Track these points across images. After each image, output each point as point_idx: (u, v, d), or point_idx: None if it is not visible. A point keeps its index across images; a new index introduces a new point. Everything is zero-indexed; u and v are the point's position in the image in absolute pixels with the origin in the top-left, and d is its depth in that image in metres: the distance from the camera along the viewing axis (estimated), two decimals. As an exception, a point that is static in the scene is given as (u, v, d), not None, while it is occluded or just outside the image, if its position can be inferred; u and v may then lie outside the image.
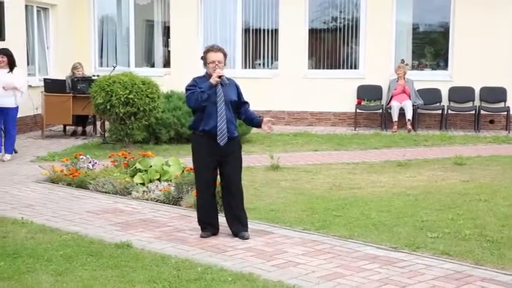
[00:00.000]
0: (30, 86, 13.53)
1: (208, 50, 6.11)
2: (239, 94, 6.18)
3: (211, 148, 5.97)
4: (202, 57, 6.15)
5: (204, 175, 6.08)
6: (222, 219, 6.24)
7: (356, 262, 5.39)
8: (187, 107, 11.92)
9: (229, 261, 5.38)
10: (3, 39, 11.25)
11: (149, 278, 4.91)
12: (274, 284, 4.84)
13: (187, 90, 6.05)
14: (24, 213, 6.90)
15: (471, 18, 14.28)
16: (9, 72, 10.36)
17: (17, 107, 10.53)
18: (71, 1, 15.50)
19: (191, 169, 7.69)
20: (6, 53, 10.38)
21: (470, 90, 14.38)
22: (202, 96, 5.89)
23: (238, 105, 6.18)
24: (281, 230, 6.33)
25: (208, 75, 6.03)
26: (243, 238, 6.02)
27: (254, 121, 6.26)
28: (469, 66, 14.28)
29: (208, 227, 6.14)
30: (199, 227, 6.20)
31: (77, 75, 13.36)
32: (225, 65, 6.11)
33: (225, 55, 6.09)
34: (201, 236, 6.07)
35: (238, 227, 6.12)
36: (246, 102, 6.25)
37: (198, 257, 5.47)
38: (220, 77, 5.92)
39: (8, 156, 10.30)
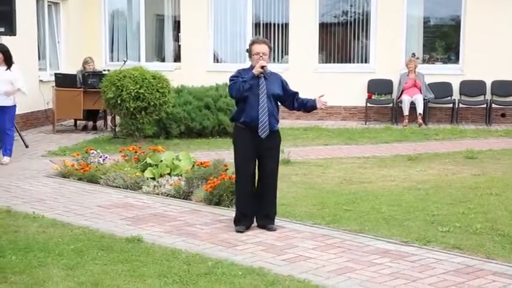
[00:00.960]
0: (41, 81, 13.63)
1: (253, 42, 6.14)
2: (284, 87, 6.18)
3: (252, 140, 5.99)
4: (247, 50, 6.18)
5: (244, 167, 6.07)
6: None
7: (366, 256, 5.38)
8: (199, 101, 12.08)
9: (240, 256, 5.39)
10: (15, 34, 11.29)
11: (160, 272, 4.93)
12: (284, 278, 4.84)
13: (230, 80, 6.07)
14: (36, 208, 6.94)
15: (482, 12, 14.19)
16: (7, 69, 9.73)
17: (15, 106, 9.91)
18: (82, -4, 15.54)
19: (201, 164, 7.73)
20: (2, 49, 9.74)
21: (482, 83, 14.31)
22: (244, 86, 5.91)
23: (286, 98, 6.19)
24: (292, 224, 6.33)
25: (252, 67, 6.05)
26: (272, 230, 6.06)
27: (308, 105, 6.26)
28: (480, 60, 14.19)
29: (245, 220, 6.12)
30: (213, 222, 6.20)
31: (88, 69, 13.38)
32: (269, 57, 6.11)
33: (269, 48, 6.11)
34: (237, 231, 6.03)
35: (266, 221, 6.16)
36: (295, 93, 6.26)
37: (208, 251, 5.48)
38: (263, 67, 5.93)
39: (6, 159, 9.62)
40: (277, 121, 6.15)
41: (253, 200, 6.16)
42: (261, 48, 6.05)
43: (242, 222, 6.12)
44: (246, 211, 6.14)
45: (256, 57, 6.02)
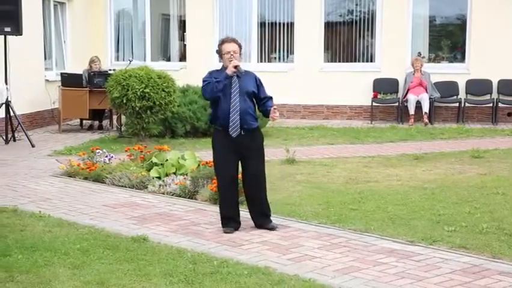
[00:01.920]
0: (47, 81, 13.66)
1: (222, 42, 6.12)
2: (258, 87, 6.14)
3: (229, 141, 5.95)
4: (217, 51, 6.15)
5: (224, 169, 6.04)
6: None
7: (372, 256, 5.38)
8: (204, 100, 12.09)
9: (245, 255, 5.39)
10: (21, 34, 11.31)
11: (166, 272, 4.93)
12: (290, 278, 4.84)
13: (203, 81, 6.05)
14: (42, 207, 6.96)
15: (488, 10, 14.15)
16: None
17: None
18: (88, -5, 15.58)
19: (207, 163, 7.73)
20: None
21: (488, 82, 14.27)
22: (218, 86, 5.88)
23: (258, 99, 6.15)
24: (297, 224, 6.32)
25: (225, 68, 6.02)
26: (273, 229, 6.04)
27: (265, 112, 6.19)
28: (487, 59, 14.15)
29: (231, 222, 6.10)
30: (218, 221, 6.20)
31: (95, 69, 13.41)
32: (240, 55, 6.09)
33: (239, 46, 6.08)
34: (225, 232, 6.02)
35: (265, 220, 6.14)
36: (267, 97, 6.19)
37: (214, 251, 5.48)
38: (236, 67, 5.91)
39: None
40: (256, 119, 6.08)
41: (237, 203, 6.14)
42: (231, 46, 6.02)
43: (228, 225, 6.09)
44: (229, 214, 6.10)
45: (227, 57, 5.98)
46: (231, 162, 6.02)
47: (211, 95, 5.96)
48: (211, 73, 6.11)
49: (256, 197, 6.15)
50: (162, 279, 4.80)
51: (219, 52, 6.09)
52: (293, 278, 4.83)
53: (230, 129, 5.92)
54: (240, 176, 6.19)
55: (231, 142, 5.95)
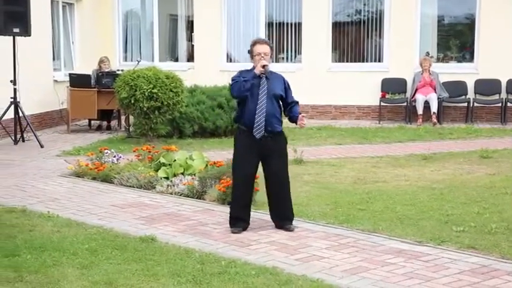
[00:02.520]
0: (56, 81, 13.71)
1: (254, 43, 6.13)
2: (286, 90, 6.14)
3: (252, 142, 5.96)
4: (248, 51, 6.17)
5: (242, 169, 6.04)
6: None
7: (380, 256, 5.37)
8: (212, 101, 12.11)
9: (253, 255, 5.39)
10: (30, 35, 11.36)
11: (174, 272, 4.94)
12: (298, 278, 4.84)
13: (231, 80, 6.06)
14: (50, 207, 6.98)
15: (497, 10, 14.09)
16: None
17: None
18: (96, -4, 15.62)
19: (214, 163, 7.74)
20: None
21: (497, 82, 14.21)
22: (245, 85, 5.89)
23: (285, 103, 6.16)
24: (305, 224, 6.32)
25: (254, 68, 6.04)
26: (289, 230, 6.05)
27: (293, 118, 6.19)
28: (495, 59, 14.09)
29: (240, 222, 6.11)
30: (226, 221, 6.21)
31: (104, 69, 13.45)
32: (271, 57, 6.11)
33: (271, 48, 6.10)
34: (232, 232, 6.03)
35: (284, 222, 6.15)
36: (293, 102, 6.20)
37: (222, 251, 5.49)
38: (264, 67, 5.92)
39: None
40: (281, 122, 6.10)
41: (249, 204, 6.16)
42: (263, 48, 6.04)
43: (237, 225, 6.10)
44: (239, 214, 6.10)
45: (257, 58, 6.01)
46: (250, 162, 6.02)
47: (238, 93, 5.97)
48: (240, 72, 6.12)
49: (278, 198, 6.14)
50: (170, 279, 4.81)
51: (251, 52, 6.12)
52: (301, 278, 4.83)
53: (254, 130, 5.92)
54: (257, 176, 6.21)
55: (254, 143, 5.96)
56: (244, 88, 5.90)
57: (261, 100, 5.94)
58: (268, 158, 6.04)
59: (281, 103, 6.17)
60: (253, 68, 6.04)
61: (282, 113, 6.20)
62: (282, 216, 6.17)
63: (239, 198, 6.11)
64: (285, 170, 6.14)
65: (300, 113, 6.17)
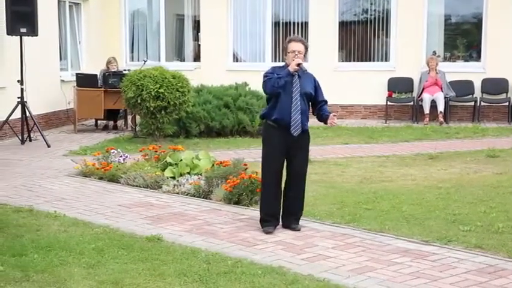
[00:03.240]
0: (62, 81, 13.75)
1: (289, 40, 6.13)
2: (316, 89, 6.16)
3: (282, 138, 5.97)
4: (283, 48, 6.19)
5: (273, 165, 6.04)
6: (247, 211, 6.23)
7: (386, 255, 5.36)
8: (218, 100, 12.11)
9: (259, 255, 5.39)
10: (37, 35, 11.39)
11: (180, 271, 4.95)
12: (304, 278, 4.84)
13: (264, 76, 6.04)
14: (57, 207, 7.00)
15: (504, 8, 14.05)
16: None
17: None
18: (102, -4, 15.65)
19: (221, 163, 7.74)
20: None
21: (504, 81, 14.16)
22: (279, 82, 5.90)
23: (314, 101, 6.17)
24: (311, 224, 6.31)
25: (287, 65, 6.04)
26: (296, 230, 6.04)
27: (323, 116, 6.18)
28: (503, 58, 14.05)
29: (272, 220, 6.09)
30: (232, 221, 6.21)
31: (112, 69, 13.49)
32: (305, 56, 6.11)
33: (306, 47, 6.09)
34: (265, 232, 5.98)
35: (292, 220, 6.15)
36: (324, 101, 6.22)
37: (228, 251, 5.49)
38: (298, 65, 5.93)
39: None
40: (308, 120, 6.13)
41: (279, 200, 6.13)
42: (298, 46, 6.03)
43: (270, 222, 6.07)
44: (273, 211, 6.10)
45: (291, 55, 6.00)
46: (279, 159, 6.04)
47: (272, 90, 5.96)
48: (273, 68, 6.12)
49: (294, 196, 6.14)
50: (176, 278, 4.82)
51: (285, 50, 6.13)
52: (307, 278, 4.83)
53: (292, 127, 5.93)
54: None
55: (284, 140, 5.97)
56: (278, 85, 5.91)
57: (295, 98, 5.95)
58: (293, 155, 6.05)
59: (312, 101, 6.17)
60: (286, 65, 6.04)
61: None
62: (291, 214, 6.16)
63: (271, 195, 6.09)
64: (306, 168, 6.18)
65: (331, 112, 6.16)
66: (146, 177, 8.00)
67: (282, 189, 6.16)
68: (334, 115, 6.12)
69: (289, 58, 6.02)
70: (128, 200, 7.34)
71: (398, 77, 14.64)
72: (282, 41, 15.38)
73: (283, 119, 5.95)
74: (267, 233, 5.98)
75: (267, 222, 6.08)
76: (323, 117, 6.20)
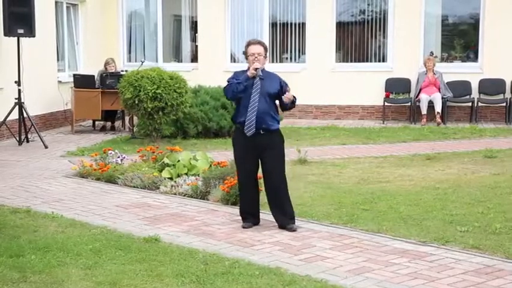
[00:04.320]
0: (60, 82, 13.74)
1: (248, 44, 6.20)
2: (282, 87, 6.16)
3: (247, 140, 6.04)
4: (243, 52, 6.24)
5: (243, 166, 6.17)
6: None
7: (384, 256, 5.36)
8: (216, 101, 12.11)
9: (257, 255, 5.39)
10: (34, 36, 11.39)
11: (177, 272, 4.95)
12: (301, 278, 4.84)
13: (226, 82, 6.16)
14: (55, 208, 6.99)
15: (501, 9, 14.07)
16: None
17: None
18: (100, -3, 15.64)
19: (218, 163, 7.75)
20: None
21: (501, 82, 14.18)
22: (238, 87, 5.99)
23: (282, 100, 6.17)
24: (308, 224, 6.31)
25: (249, 69, 6.08)
26: (291, 230, 6.06)
27: (281, 102, 6.18)
28: (500, 58, 14.07)
29: (250, 217, 6.22)
30: (230, 222, 6.24)
31: (110, 70, 13.49)
32: (265, 57, 6.15)
33: (265, 48, 6.16)
34: (242, 227, 6.17)
35: (284, 220, 6.16)
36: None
37: (226, 251, 5.49)
38: (256, 69, 5.97)
39: None
40: (277, 120, 6.13)
41: (256, 200, 6.27)
42: (256, 49, 6.10)
43: (247, 220, 6.23)
44: (248, 209, 6.24)
45: (251, 59, 6.08)
46: (249, 159, 6.13)
47: (232, 96, 6.12)
48: (235, 73, 6.19)
49: (274, 197, 6.17)
50: (174, 279, 4.82)
51: (245, 54, 6.18)
52: (305, 279, 4.83)
53: (245, 127, 6.01)
54: (260, 176, 6.27)
55: (249, 141, 6.04)
56: (237, 90, 6.02)
57: (253, 99, 6.01)
58: (264, 155, 6.10)
59: (278, 102, 6.21)
60: (248, 68, 6.08)
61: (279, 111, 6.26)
62: (280, 213, 6.18)
63: (245, 194, 6.24)
64: (280, 168, 6.16)
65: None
66: (143, 178, 8.00)
67: (258, 188, 6.31)
68: (287, 90, 6.10)
69: (250, 62, 6.09)
70: (125, 201, 7.34)
71: (395, 77, 14.65)
72: (280, 42, 15.44)
73: (243, 121, 6.04)
74: (244, 227, 6.14)
75: (245, 219, 6.24)
76: (282, 104, 6.20)
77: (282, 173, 6.17)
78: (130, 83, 11.28)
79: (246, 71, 6.10)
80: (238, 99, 6.11)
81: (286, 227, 6.13)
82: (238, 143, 6.20)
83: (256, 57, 6.04)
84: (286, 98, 6.10)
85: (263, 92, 6.04)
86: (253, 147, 6.05)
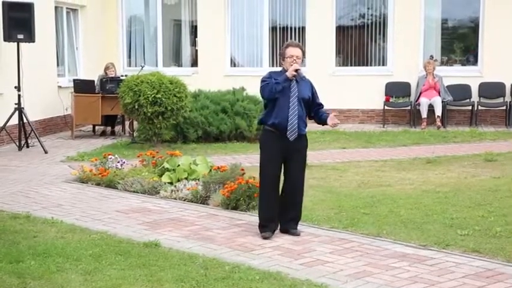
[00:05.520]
0: (60, 87, 13.74)
1: (287, 45, 6.17)
2: (313, 94, 6.18)
3: (279, 143, 5.98)
4: (280, 53, 6.21)
5: (270, 170, 6.05)
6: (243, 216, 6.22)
7: (384, 260, 5.35)
8: (216, 105, 12.11)
9: (257, 260, 5.38)
10: (34, 41, 11.39)
11: (177, 277, 4.93)
12: (302, 283, 4.83)
13: (262, 81, 6.07)
14: (54, 213, 6.98)
15: (501, 13, 14.08)
16: None
17: None
18: (100, 2, 15.64)
19: (218, 168, 7.74)
20: None
21: (501, 85, 14.18)
22: (277, 87, 5.92)
23: (311, 105, 6.19)
24: (309, 228, 6.30)
25: (284, 70, 6.06)
26: (296, 234, 6.04)
27: (322, 118, 6.21)
28: (499, 62, 14.08)
29: (270, 225, 6.08)
30: (230, 226, 6.20)
31: (110, 75, 13.49)
32: (302, 61, 6.14)
33: (303, 52, 6.14)
34: (264, 238, 5.96)
35: (291, 224, 6.14)
36: (320, 104, 6.25)
37: (226, 256, 5.48)
38: (296, 70, 5.95)
39: None
40: (306, 125, 6.15)
41: (277, 204, 6.11)
42: (295, 51, 6.07)
43: (268, 228, 6.06)
44: (271, 215, 6.08)
45: (289, 60, 6.03)
46: (277, 164, 6.05)
47: (269, 95, 5.99)
48: (271, 73, 6.15)
49: (292, 201, 6.13)
50: (174, 284, 4.81)
51: (282, 55, 6.15)
52: (305, 283, 4.82)
53: (288, 132, 5.94)
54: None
55: (281, 144, 5.98)
56: (276, 90, 5.93)
57: (293, 103, 5.97)
58: (290, 159, 6.06)
59: (309, 106, 6.19)
60: (283, 70, 6.06)
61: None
62: (291, 217, 6.14)
63: (269, 199, 6.06)
64: (303, 172, 6.18)
65: (328, 113, 6.17)
66: (143, 182, 7.99)
67: (280, 194, 6.15)
68: (335, 115, 6.14)
69: (287, 63, 6.04)
70: (125, 206, 7.33)
71: (395, 81, 14.65)
72: (280, 46, 15.40)
73: (280, 124, 5.97)
74: (265, 238, 5.98)
75: (265, 227, 6.08)
76: (322, 119, 6.22)
77: (303, 177, 6.18)
78: (129, 88, 11.29)
79: (281, 72, 6.06)
80: (273, 101, 6.00)
81: (290, 231, 6.11)
82: (270, 146, 6.03)
83: (294, 59, 6.01)
84: (333, 124, 6.11)
85: (299, 96, 6.02)
86: (283, 151, 5.98)
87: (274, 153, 6.01)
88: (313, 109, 6.22)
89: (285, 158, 6.05)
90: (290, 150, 6.01)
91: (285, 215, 6.16)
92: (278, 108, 5.98)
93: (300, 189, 6.17)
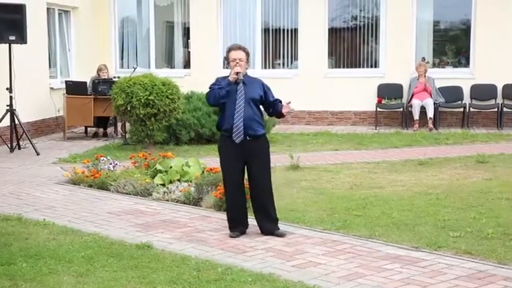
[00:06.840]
0: (52, 89, 13.70)
1: (229, 49, 6.20)
2: (265, 92, 6.18)
3: (233, 147, 6.01)
4: (224, 58, 6.24)
5: (230, 174, 6.12)
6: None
7: (376, 262, 5.36)
8: (209, 107, 12.10)
9: (249, 262, 5.38)
10: (25, 42, 11.36)
11: (170, 279, 4.93)
12: (294, 285, 4.83)
13: (209, 88, 6.13)
14: (46, 215, 6.96)
15: (492, 15, 14.13)
16: None
17: None
18: (92, 3, 15.60)
19: (211, 169, 7.74)
20: None
21: (493, 87, 14.23)
22: (220, 92, 5.97)
23: (268, 104, 6.20)
24: (301, 230, 6.31)
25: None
26: (281, 235, 6.06)
27: (277, 110, 6.23)
28: (491, 64, 14.13)
29: (238, 226, 6.15)
30: (223, 228, 6.23)
31: (103, 76, 13.47)
32: (247, 62, 6.14)
33: (247, 53, 6.15)
34: (230, 236, 6.08)
35: (271, 226, 6.15)
36: (277, 100, 6.24)
37: (218, 258, 5.48)
38: (237, 73, 5.96)
39: None
40: (262, 125, 6.14)
41: (244, 207, 6.22)
42: (237, 54, 6.09)
43: (235, 228, 6.15)
44: (235, 217, 6.17)
45: (232, 64, 6.07)
46: (236, 167, 6.09)
47: (214, 101, 6.08)
48: (217, 79, 6.18)
49: (261, 203, 6.16)
50: (166, 286, 4.80)
51: (226, 59, 6.18)
52: (297, 285, 4.82)
53: (234, 134, 5.99)
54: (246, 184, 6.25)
55: (236, 147, 6.01)
56: (219, 96, 5.99)
57: (239, 105, 6.00)
58: (250, 161, 6.09)
59: (262, 108, 6.22)
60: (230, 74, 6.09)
61: (264, 116, 6.27)
62: (267, 219, 6.16)
63: (232, 202, 6.17)
64: (266, 174, 6.17)
65: (280, 102, 6.19)
66: (136, 184, 7.98)
67: (246, 195, 6.25)
68: (288, 102, 6.14)
69: (231, 67, 6.08)
70: (118, 208, 7.32)
71: (387, 83, 14.69)
72: (272, 48, 15.46)
73: (229, 127, 6.01)
74: (231, 237, 6.07)
75: (232, 228, 6.16)
76: (277, 111, 6.23)
77: (269, 178, 6.19)
78: (122, 90, 11.27)
79: (228, 76, 6.09)
80: (223, 106, 6.05)
81: (274, 232, 6.12)
82: (225, 151, 6.13)
83: (237, 62, 6.03)
84: (285, 110, 6.12)
85: (247, 97, 6.02)
86: (240, 154, 6.03)
87: (232, 157, 6.05)
88: (272, 106, 6.22)
89: (245, 160, 6.07)
90: (248, 153, 6.03)
91: (260, 217, 6.19)
92: (226, 113, 6.03)
93: (266, 190, 6.16)
